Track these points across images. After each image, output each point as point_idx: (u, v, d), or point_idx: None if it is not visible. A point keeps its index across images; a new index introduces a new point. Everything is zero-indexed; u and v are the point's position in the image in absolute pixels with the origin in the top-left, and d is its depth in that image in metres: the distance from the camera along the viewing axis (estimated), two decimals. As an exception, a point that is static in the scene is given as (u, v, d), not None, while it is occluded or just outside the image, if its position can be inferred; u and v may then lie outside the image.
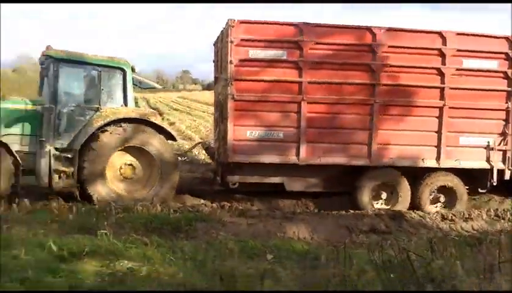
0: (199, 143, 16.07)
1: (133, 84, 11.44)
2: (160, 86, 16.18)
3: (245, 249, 7.76)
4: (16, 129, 10.66)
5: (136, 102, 12.20)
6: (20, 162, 10.25)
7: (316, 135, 11.31)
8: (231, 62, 10.85)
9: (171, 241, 8.17)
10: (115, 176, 10.96)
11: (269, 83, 11.10)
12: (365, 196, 11.61)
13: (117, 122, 10.71)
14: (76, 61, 11.04)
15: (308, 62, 11.09)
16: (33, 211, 9.49)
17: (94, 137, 10.56)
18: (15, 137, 10.57)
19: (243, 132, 11.09)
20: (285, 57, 11.08)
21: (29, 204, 9.72)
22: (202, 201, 11.42)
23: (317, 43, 11.15)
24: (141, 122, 10.92)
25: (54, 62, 10.68)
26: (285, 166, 11.36)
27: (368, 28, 11.29)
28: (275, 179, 11.56)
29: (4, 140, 10.31)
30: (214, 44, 12.91)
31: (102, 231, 7.93)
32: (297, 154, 11.20)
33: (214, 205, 11.17)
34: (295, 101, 11.12)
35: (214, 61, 13.09)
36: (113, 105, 11.10)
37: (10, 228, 8.07)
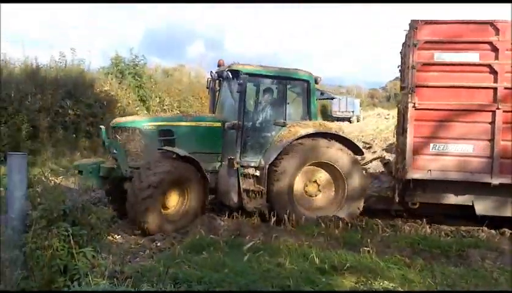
0: (378, 157, 14.39)
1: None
2: (340, 97, 15.01)
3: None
4: (205, 147, 10.35)
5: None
6: (208, 180, 9.86)
7: None
8: (413, 67, 9.71)
9: (442, 265, 7.61)
10: (300, 194, 10.28)
11: (457, 90, 9.72)
12: None
13: (305, 137, 10.10)
14: (262, 75, 10.61)
15: (505, 65, 9.45)
16: (303, 224, 9.70)
17: (282, 154, 10.02)
18: (204, 156, 10.12)
19: (425, 145, 9.82)
20: (477, 60, 9.63)
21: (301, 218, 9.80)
22: (477, 226, 10.30)
23: None
24: (328, 136, 10.26)
25: (242, 77, 10.03)
26: (474, 185, 9.79)
27: None
28: (463, 200, 10.00)
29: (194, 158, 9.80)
30: (400, 52, 11.55)
31: (365, 248, 7.80)
32: (490, 172, 9.56)
33: (492, 231, 10.03)
34: (488, 109, 9.57)
35: (399, 70, 11.73)
36: (297, 119, 10.64)
37: (278, 238, 8.47)
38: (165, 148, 9.75)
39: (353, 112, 46.28)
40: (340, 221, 9.58)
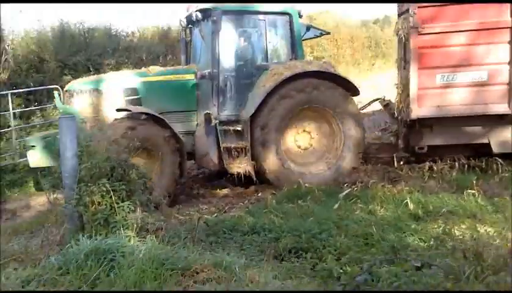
0: (377, 99, 11.61)
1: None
2: (329, 32, 12.15)
3: None
4: (178, 105, 9.10)
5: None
6: (183, 143, 8.55)
7: None
8: None
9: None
10: (290, 147, 9.13)
11: (468, 6, 8.29)
12: None
13: (291, 79, 8.70)
14: (237, 12, 9.12)
15: None
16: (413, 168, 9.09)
17: (266, 101, 8.68)
18: (177, 115, 9.02)
19: (431, 77, 8.42)
20: None
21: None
22: None
23: None
24: (319, 76, 8.86)
25: (214, 16, 8.67)
26: (490, 119, 8.50)
27: None
28: (478, 139, 8.69)
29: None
30: None
31: (470, 191, 7.18)
32: (508, 100, 8.27)
33: None
34: (505, 26, 8.15)
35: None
36: (281, 60, 9.34)
37: (375, 183, 8.13)
38: (126, 107, 8.55)
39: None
40: (456, 162, 8.84)
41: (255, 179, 8.76)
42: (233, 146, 8.68)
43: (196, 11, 9.04)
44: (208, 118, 8.72)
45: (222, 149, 8.69)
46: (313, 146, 9.26)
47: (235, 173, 8.72)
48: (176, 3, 17.04)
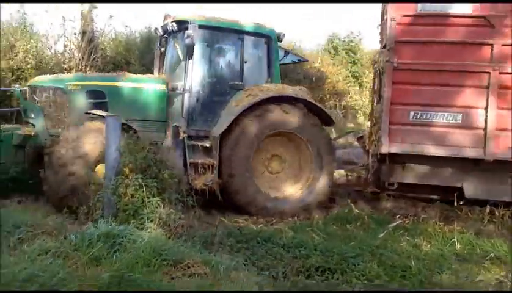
0: (351, 131, 11.35)
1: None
2: (307, 60, 11.45)
3: None
4: (148, 114, 8.72)
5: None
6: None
7: None
8: (392, 19, 8.07)
9: None
10: (259, 171, 8.72)
11: (444, 47, 8.12)
12: None
13: (265, 102, 8.41)
14: (215, 28, 8.82)
15: (503, 17, 7.86)
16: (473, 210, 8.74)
17: (237, 121, 8.35)
18: (146, 124, 8.62)
19: (404, 112, 8.17)
20: (469, 11, 8.00)
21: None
22: None
23: None
24: (294, 101, 8.57)
25: (191, 27, 8.36)
26: (464, 162, 8.18)
27: None
28: (451, 181, 8.35)
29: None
30: (381, 12, 9.40)
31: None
32: (483, 146, 7.95)
33: None
34: (482, 70, 7.96)
35: (379, 32, 9.48)
36: (256, 81, 8.96)
37: (427, 219, 8.00)
38: (95, 111, 8.04)
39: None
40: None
41: (219, 197, 8.33)
42: (200, 162, 8.32)
43: (172, 21, 8.86)
44: (176, 131, 8.42)
45: (188, 164, 8.35)
46: (285, 171, 8.96)
47: (199, 190, 8.15)
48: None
